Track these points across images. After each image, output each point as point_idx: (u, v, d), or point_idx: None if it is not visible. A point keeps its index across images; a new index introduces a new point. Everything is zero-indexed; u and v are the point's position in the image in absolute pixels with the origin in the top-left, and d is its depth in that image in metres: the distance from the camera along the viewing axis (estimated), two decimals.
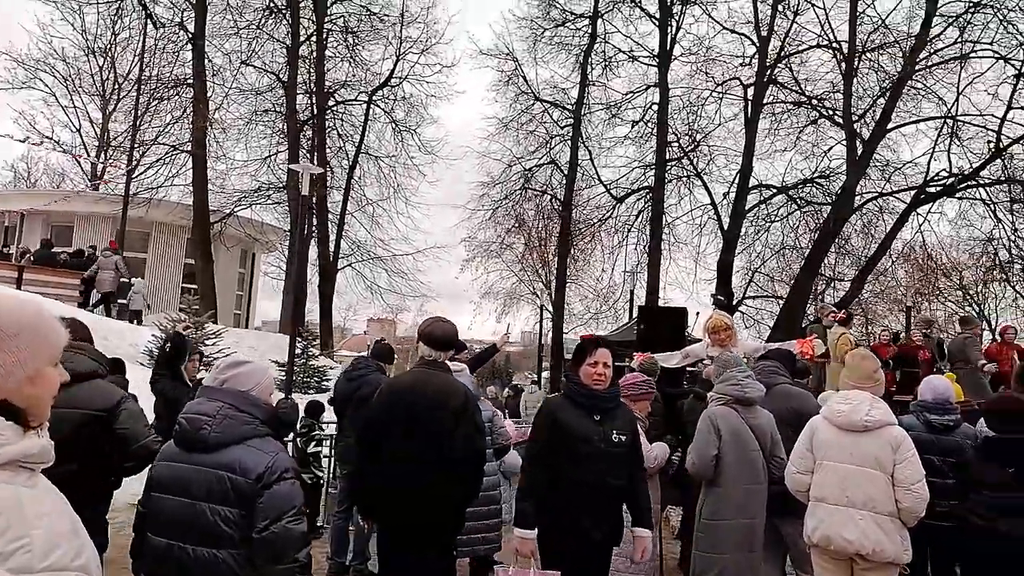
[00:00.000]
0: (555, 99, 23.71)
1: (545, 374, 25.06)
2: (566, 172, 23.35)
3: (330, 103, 23.90)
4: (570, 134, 23.23)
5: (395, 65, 23.97)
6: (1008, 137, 18.49)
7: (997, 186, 19.13)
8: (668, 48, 21.84)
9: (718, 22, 21.66)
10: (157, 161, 23.32)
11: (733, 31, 21.58)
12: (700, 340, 9.35)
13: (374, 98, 24.16)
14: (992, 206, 19.47)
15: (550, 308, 24.14)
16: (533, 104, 23.69)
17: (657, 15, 21.99)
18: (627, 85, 23.12)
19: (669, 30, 21.87)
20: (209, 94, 21.90)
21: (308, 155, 22.06)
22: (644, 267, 21.71)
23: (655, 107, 22.01)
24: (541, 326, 24.38)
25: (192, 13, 21.57)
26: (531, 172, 24.03)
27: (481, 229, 24.24)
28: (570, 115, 23.33)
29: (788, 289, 21.31)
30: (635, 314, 18.15)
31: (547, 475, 3.56)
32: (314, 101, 23.31)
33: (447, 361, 3.83)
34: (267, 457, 2.42)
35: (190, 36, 21.66)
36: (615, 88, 23.33)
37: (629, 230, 23.19)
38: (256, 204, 23.48)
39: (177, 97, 22.85)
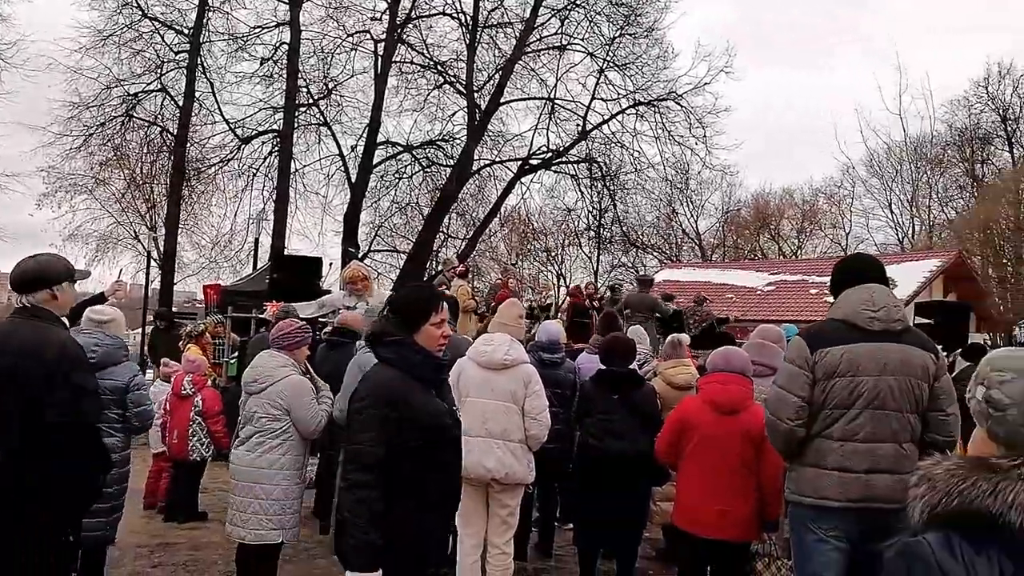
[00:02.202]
0: (168, 19, 20.99)
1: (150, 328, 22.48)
2: (180, 104, 20.97)
3: None
4: (187, 61, 20.85)
5: None
6: (591, 123, 22.00)
7: (582, 164, 22.64)
8: None
9: None
10: None
11: None
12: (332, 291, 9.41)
13: None
14: (577, 181, 23.04)
15: (157, 256, 21.61)
16: (140, 20, 20.64)
17: None
18: (256, 18, 21.57)
19: None
20: None
21: None
22: (270, 214, 20.76)
23: (286, 47, 20.97)
24: (147, 276, 21.71)
25: None
26: (136, 98, 21.04)
27: (68, 159, 20.48)
28: (187, 40, 20.92)
29: (411, 245, 22.44)
30: (260, 264, 17.34)
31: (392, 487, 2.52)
32: None
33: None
34: None
35: None
36: (241, 19, 21.58)
37: (255, 174, 21.93)
38: None
39: None
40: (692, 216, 34.98)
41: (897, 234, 34.99)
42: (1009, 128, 33.14)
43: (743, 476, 3.49)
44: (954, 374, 5.73)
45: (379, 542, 2.48)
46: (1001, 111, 33.06)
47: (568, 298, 12.70)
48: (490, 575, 4.15)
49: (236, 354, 10.02)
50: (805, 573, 2.90)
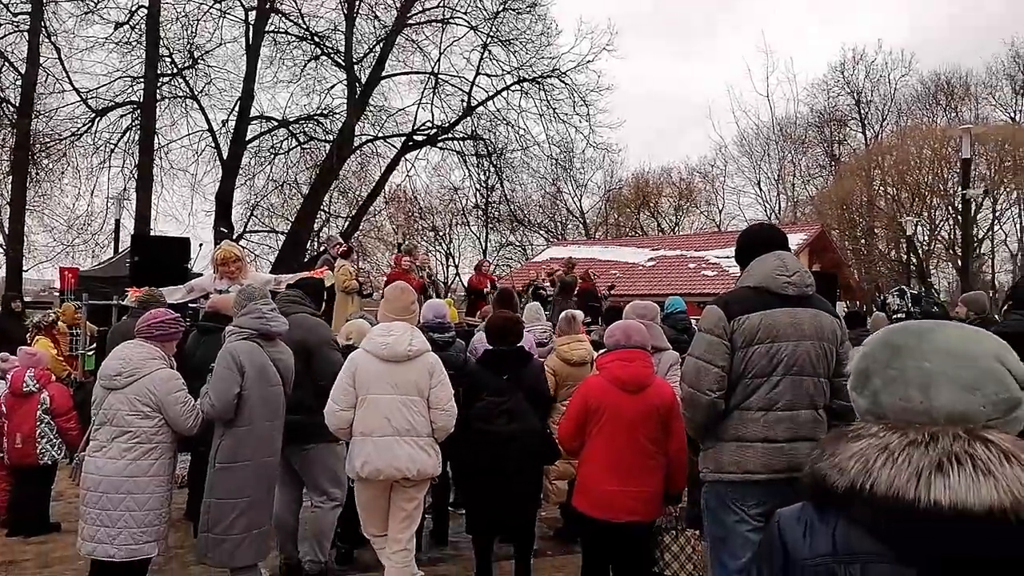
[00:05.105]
0: None
1: None
2: (22, 72, 18.92)
3: None
4: (28, 24, 18.80)
5: None
6: (476, 99, 21.70)
7: (468, 141, 22.33)
8: None
9: None
10: None
11: None
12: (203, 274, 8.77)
13: None
14: (463, 158, 22.72)
15: (2, 239, 19.58)
16: None
17: None
18: None
19: None
20: None
21: None
22: (132, 193, 19.17)
23: (144, 11, 19.30)
24: None
25: None
26: None
27: None
28: (26, 1, 18.84)
29: (289, 224, 21.43)
30: (121, 247, 16.04)
31: None
32: None
33: None
34: None
35: None
36: None
37: (113, 150, 20.19)
38: None
39: None
40: (576, 195, 35.57)
41: (765, 210, 37.07)
42: (862, 111, 35.73)
43: (652, 454, 3.39)
44: None
45: None
46: (855, 95, 35.59)
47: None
48: (389, 572, 3.90)
49: (94, 346, 9.17)
50: (723, 554, 2.81)
